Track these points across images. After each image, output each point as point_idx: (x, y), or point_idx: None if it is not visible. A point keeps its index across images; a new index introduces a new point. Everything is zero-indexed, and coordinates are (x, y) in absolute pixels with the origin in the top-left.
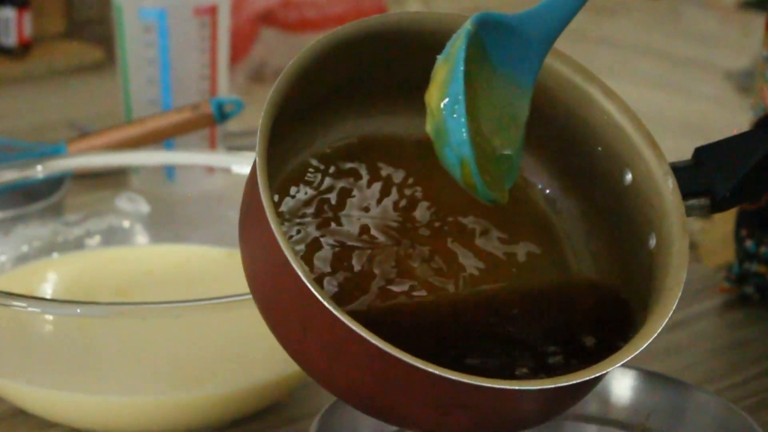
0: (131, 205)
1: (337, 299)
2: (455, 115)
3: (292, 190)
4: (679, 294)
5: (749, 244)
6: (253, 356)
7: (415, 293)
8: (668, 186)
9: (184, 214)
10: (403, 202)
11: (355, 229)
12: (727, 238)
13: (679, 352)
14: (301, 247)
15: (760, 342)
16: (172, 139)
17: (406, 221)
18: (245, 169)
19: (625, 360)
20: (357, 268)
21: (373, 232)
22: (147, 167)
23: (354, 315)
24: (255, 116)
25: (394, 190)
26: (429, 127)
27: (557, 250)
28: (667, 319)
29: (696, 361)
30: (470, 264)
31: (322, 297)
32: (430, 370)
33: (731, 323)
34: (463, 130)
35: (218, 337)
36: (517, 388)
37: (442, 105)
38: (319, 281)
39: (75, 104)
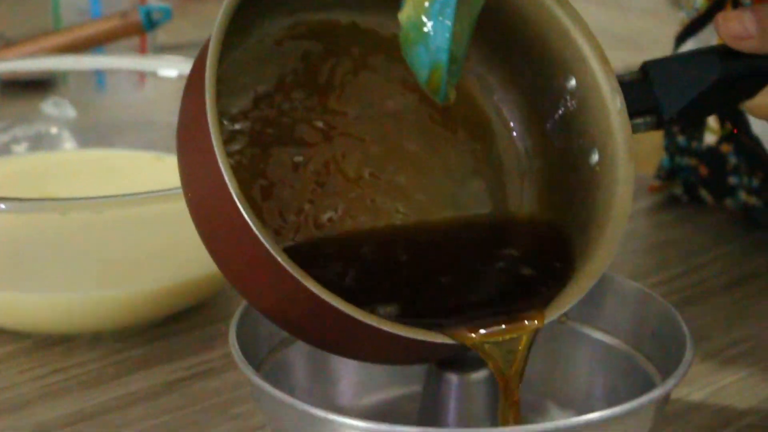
0: (57, 109)
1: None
2: (441, 18)
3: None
4: (624, 227)
5: (681, 139)
6: (180, 254)
7: (351, 217)
8: (616, 105)
9: (111, 119)
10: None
11: (295, 135)
12: (659, 146)
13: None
14: (237, 158)
15: (688, 241)
16: (103, 49)
17: (347, 129)
18: (173, 73)
19: (574, 302)
20: (292, 186)
21: (310, 140)
22: (76, 75)
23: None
24: (186, 30)
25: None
26: (404, 18)
27: (496, 156)
28: (613, 256)
29: (624, 260)
30: (408, 181)
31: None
32: (335, 304)
33: (659, 224)
34: (447, 35)
35: (143, 234)
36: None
37: (427, 3)
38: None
39: (2, 14)
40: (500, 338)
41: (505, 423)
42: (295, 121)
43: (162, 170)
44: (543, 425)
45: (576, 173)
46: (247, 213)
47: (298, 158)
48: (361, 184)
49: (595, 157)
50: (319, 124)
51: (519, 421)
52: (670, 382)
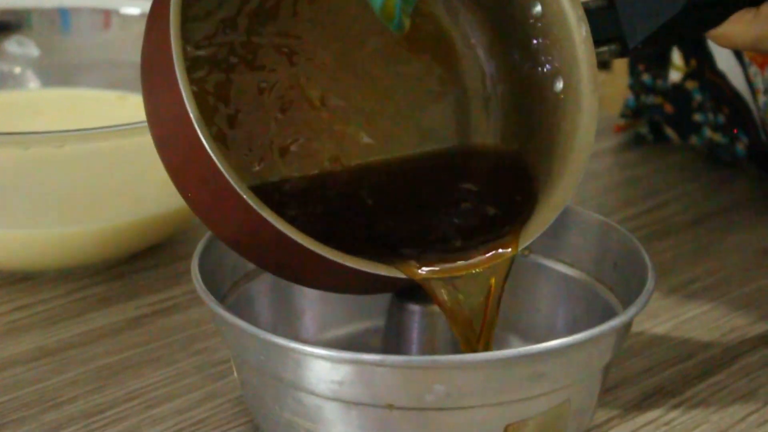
0: (20, 48)
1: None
2: None
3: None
4: (588, 158)
5: (646, 77)
6: (144, 190)
7: (316, 144)
8: (581, 33)
9: (76, 58)
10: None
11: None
12: (625, 88)
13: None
14: (200, 85)
15: (652, 179)
16: None
17: (308, 59)
18: (137, 11)
19: (536, 235)
20: (256, 113)
21: (274, 66)
22: (40, 13)
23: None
24: None
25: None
26: None
27: (460, 79)
28: (575, 187)
29: (589, 198)
30: (372, 107)
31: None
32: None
33: (624, 162)
34: None
35: (106, 170)
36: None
37: None
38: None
39: None
40: (445, 275)
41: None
42: (259, 46)
43: (126, 109)
44: (503, 353)
45: (540, 101)
46: (207, 140)
47: (263, 84)
48: (326, 110)
49: (559, 85)
50: (283, 49)
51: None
52: (631, 310)
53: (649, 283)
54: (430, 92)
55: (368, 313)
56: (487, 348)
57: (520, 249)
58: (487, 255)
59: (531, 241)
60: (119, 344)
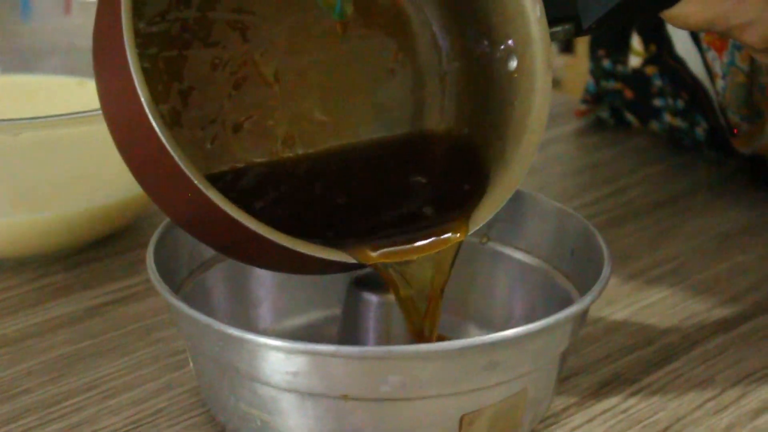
0: None
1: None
2: None
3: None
4: (540, 139)
5: (606, 63)
6: (101, 177)
7: (269, 122)
8: (535, 13)
9: (34, 44)
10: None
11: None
12: (585, 73)
13: (533, 174)
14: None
15: (613, 164)
16: None
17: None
18: None
19: (488, 218)
20: (209, 90)
21: (227, 43)
22: None
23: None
24: None
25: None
26: None
27: (413, 54)
28: (528, 168)
29: (548, 183)
30: (326, 83)
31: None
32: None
33: (585, 147)
34: None
35: (62, 157)
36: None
37: None
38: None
39: None
40: (395, 259)
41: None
42: (213, 21)
43: (85, 95)
44: (458, 342)
45: (494, 79)
46: (155, 120)
47: (216, 60)
48: (279, 87)
49: (513, 64)
50: (237, 25)
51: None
52: (587, 298)
53: (605, 271)
54: (385, 69)
55: (326, 301)
56: (432, 332)
57: (470, 233)
58: (436, 239)
59: (482, 224)
60: (77, 334)
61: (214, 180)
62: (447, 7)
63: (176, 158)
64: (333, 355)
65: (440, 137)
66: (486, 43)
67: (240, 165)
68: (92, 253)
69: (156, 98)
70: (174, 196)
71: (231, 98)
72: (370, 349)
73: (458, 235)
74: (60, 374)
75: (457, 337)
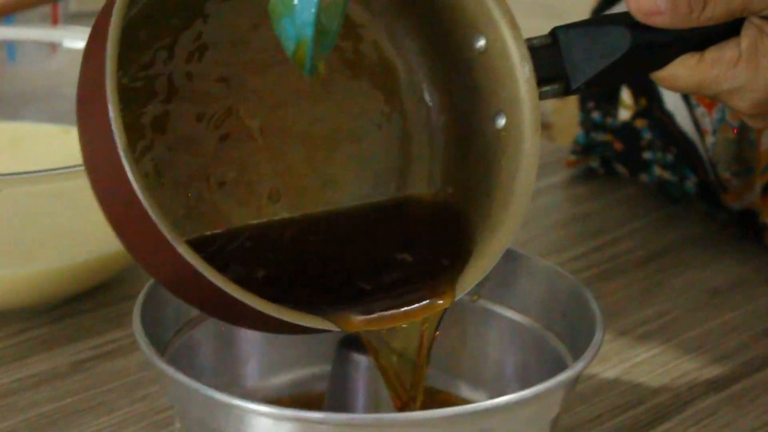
0: None
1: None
2: None
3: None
4: (528, 203)
5: (596, 115)
6: (85, 231)
7: (254, 175)
8: (524, 73)
9: (19, 90)
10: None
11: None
12: (576, 119)
13: (523, 225)
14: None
15: (602, 215)
16: (12, 18)
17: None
18: (81, 44)
19: (473, 284)
20: (194, 145)
21: (210, 97)
22: None
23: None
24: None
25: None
26: None
27: (399, 107)
28: (514, 234)
29: (538, 234)
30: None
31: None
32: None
33: (575, 197)
34: (313, 11)
35: (45, 212)
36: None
37: None
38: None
39: None
40: (380, 326)
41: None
42: (197, 75)
43: (70, 143)
44: (449, 410)
45: (482, 136)
46: (133, 176)
47: (200, 114)
48: (264, 140)
49: (501, 122)
50: (222, 77)
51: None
52: (579, 365)
53: (597, 336)
54: (372, 123)
55: (314, 358)
56: (416, 399)
57: (456, 299)
58: (421, 306)
59: (468, 289)
60: (60, 390)
61: (201, 244)
62: (435, 61)
63: (156, 221)
64: (321, 422)
65: (427, 200)
66: (473, 99)
67: (225, 230)
68: (77, 305)
69: (140, 154)
70: (154, 257)
71: (215, 153)
72: (358, 417)
73: (443, 301)
74: None
75: (447, 394)
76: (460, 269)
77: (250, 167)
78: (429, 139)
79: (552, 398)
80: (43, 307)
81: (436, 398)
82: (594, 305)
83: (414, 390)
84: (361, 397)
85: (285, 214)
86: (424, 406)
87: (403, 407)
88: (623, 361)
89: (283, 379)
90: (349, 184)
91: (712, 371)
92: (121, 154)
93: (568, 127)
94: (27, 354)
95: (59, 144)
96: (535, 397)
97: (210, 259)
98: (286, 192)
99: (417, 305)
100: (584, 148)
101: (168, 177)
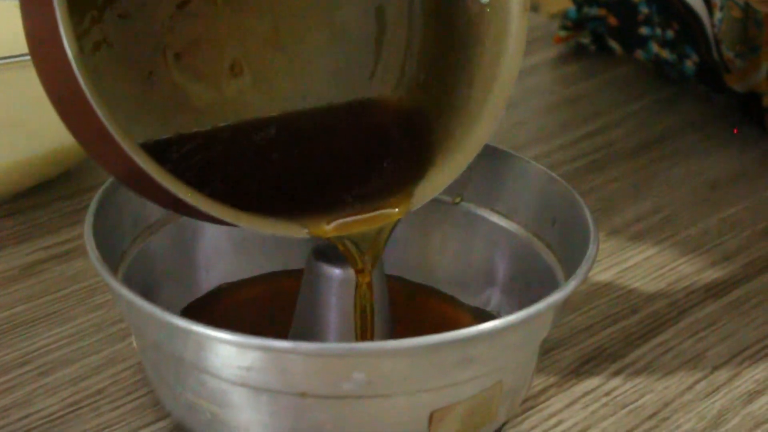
0: None
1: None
2: None
3: None
4: (512, 87)
5: None
6: (36, 123)
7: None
8: None
9: None
10: None
11: None
12: None
13: (509, 108)
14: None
15: (593, 98)
16: None
17: None
18: None
19: (452, 178)
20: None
21: None
22: None
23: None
24: None
25: None
26: None
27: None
28: (498, 122)
29: (522, 120)
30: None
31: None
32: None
33: (564, 78)
34: None
35: None
36: None
37: None
38: None
39: None
40: (355, 229)
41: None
42: None
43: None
44: (428, 338)
45: (464, 15)
46: (82, 77)
47: None
48: (225, 7)
49: None
50: None
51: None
52: (571, 283)
53: (591, 250)
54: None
55: (284, 260)
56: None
57: (428, 199)
58: (377, 213)
59: (442, 189)
60: (10, 297)
61: (163, 147)
62: None
63: (104, 120)
64: (291, 351)
65: (393, 104)
66: None
67: (187, 131)
68: (29, 200)
69: (89, 24)
70: (107, 156)
71: (172, 22)
72: (331, 347)
73: (396, 210)
74: None
75: (426, 299)
76: (439, 161)
77: (210, 38)
78: (407, 18)
79: (541, 321)
80: None
81: (413, 303)
82: (587, 214)
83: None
84: (333, 312)
85: (249, 93)
86: (403, 310)
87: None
88: (615, 263)
89: None
90: (317, 63)
91: (710, 275)
92: (67, 47)
93: (557, 1)
94: None
95: (12, 19)
96: (524, 321)
97: (176, 161)
98: (249, 65)
99: (374, 213)
100: (575, 24)
101: (119, 50)
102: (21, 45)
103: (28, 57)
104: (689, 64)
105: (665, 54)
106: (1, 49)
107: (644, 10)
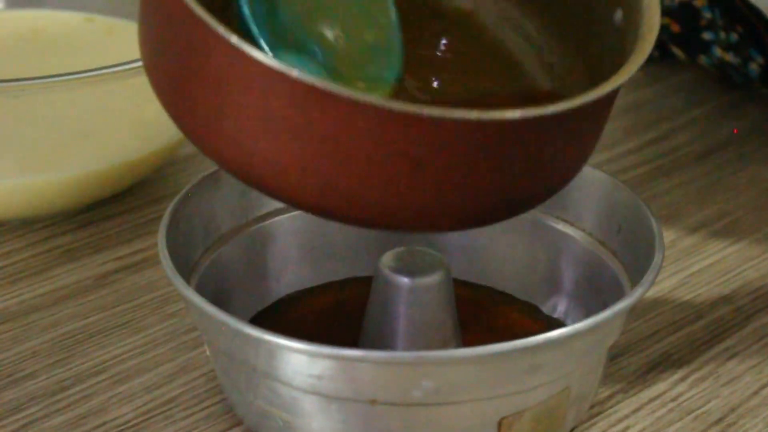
0: None
1: None
2: None
3: None
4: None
5: None
6: (109, 136)
7: None
8: None
9: None
10: None
11: None
12: None
13: None
14: None
15: (658, 104)
16: None
17: None
18: None
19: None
20: None
21: None
22: None
23: None
24: None
25: None
26: None
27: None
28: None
29: None
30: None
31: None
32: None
33: (628, 84)
34: None
35: (71, 115)
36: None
37: None
38: None
39: None
40: None
41: None
42: None
43: (91, 32)
44: (497, 347)
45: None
46: None
47: None
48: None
49: (618, 15)
50: None
51: None
52: (638, 290)
53: (657, 258)
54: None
55: (352, 270)
56: None
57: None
58: None
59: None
60: (85, 307)
61: None
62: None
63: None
64: (361, 360)
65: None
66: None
67: None
68: (101, 210)
69: None
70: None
71: None
72: (401, 355)
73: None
74: (67, 355)
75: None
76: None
77: None
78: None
79: (609, 328)
80: (68, 213)
81: (480, 309)
82: (653, 221)
83: None
84: (402, 322)
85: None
86: (470, 316)
87: None
88: (680, 270)
89: None
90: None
91: None
92: None
93: None
94: (50, 265)
95: (80, 34)
96: (592, 328)
97: None
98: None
99: None
100: None
101: None
102: (91, 42)
103: (101, 72)
104: (754, 67)
105: (729, 57)
106: (74, 64)
107: (707, 14)
